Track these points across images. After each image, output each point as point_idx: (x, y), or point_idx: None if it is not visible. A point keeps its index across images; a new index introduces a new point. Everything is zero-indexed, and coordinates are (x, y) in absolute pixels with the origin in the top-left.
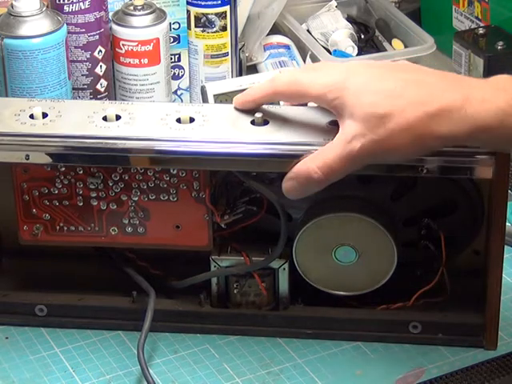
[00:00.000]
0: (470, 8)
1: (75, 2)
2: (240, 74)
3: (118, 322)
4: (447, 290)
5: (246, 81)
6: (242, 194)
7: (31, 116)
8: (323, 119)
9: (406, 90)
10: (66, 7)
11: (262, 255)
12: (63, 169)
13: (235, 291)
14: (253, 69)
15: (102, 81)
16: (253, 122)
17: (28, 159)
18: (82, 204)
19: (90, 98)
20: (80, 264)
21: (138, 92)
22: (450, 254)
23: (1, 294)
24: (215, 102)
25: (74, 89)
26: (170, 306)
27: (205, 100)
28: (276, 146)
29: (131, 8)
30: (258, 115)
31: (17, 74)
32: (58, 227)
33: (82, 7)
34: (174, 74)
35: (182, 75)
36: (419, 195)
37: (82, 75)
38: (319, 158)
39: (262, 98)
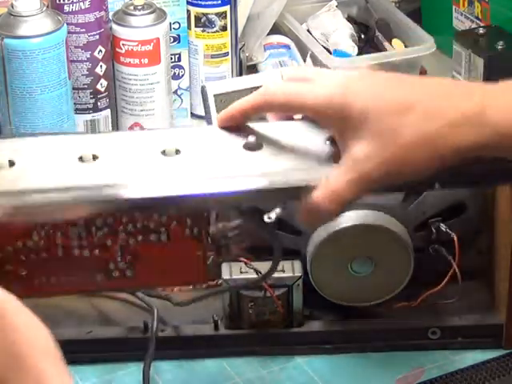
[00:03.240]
0: (470, 8)
1: (75, 2)
2: (240, 73)
3: (130, 354)
4: (459, 291)
5: (246, 81)
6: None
7: None
8: (321, 134)
9: (416, 100)
10: (66, 7)
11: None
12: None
13: (250, 311)
14: (253, 69)
15: (102, 81)
16: (246, 147)
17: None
18: (62, 255)
19: (91, 98)
20: (79, 298)
21: (138, 92)
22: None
23: None
24: (215, 102)
25: (74, 89)
26: (182, 332)
27: (205, 100)
28: (276, 178)
29: (131, 8)
30: (251, 139)
31: (17, 73)
32: (36, 281)
33: (82, 7)
34: (174, 73)
35: (182, 75)
36: (427, 199)
37: (82, 75)
38: (327, 188)
39: (250, 110)
